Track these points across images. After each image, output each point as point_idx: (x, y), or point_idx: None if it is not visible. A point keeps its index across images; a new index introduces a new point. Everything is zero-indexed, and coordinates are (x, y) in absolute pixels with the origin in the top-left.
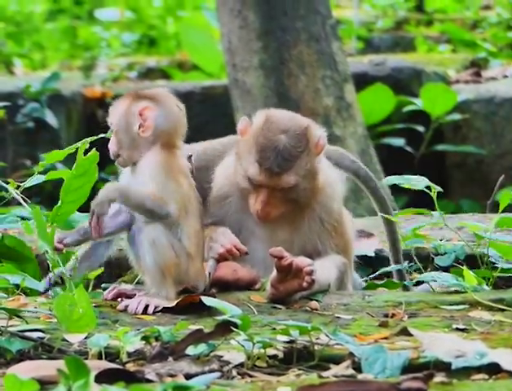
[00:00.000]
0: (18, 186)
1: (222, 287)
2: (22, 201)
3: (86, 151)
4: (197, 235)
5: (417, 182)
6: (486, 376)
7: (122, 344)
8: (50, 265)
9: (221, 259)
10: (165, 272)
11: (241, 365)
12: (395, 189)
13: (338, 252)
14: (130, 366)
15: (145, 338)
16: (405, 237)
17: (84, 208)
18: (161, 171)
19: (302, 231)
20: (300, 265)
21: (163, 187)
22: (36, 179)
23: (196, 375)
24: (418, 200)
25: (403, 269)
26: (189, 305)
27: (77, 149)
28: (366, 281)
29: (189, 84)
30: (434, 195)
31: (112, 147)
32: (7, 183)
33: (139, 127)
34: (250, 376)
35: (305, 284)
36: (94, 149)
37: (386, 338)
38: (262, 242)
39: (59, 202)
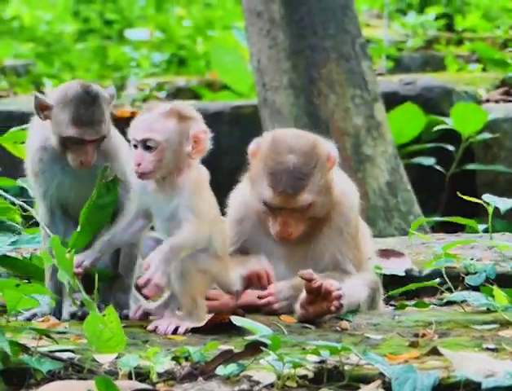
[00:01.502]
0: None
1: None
2: (41, 222)
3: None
4: (225, 238)
5: None
6: None
7: (152, 364)
8: (67, 291)
9: (248, 280)
10: (195, 298)
11: (271, 385)
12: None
13: (355, 265)
14: (160, 387)
15: (175, 358)
16: (436, 256)
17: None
18: (200, 193)
19: (321, 244)
20: (329, 289)
21: (207, 218)
22: None
23: None
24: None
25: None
26: (219, 324)
27: None
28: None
29: (219, 104)
30: (490, 212)
31: (146, 165)
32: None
33: (192, 149)
34: None
35: (333, 308)
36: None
37: (416, 358)
38: (282, 260)
39: (79, 227)
